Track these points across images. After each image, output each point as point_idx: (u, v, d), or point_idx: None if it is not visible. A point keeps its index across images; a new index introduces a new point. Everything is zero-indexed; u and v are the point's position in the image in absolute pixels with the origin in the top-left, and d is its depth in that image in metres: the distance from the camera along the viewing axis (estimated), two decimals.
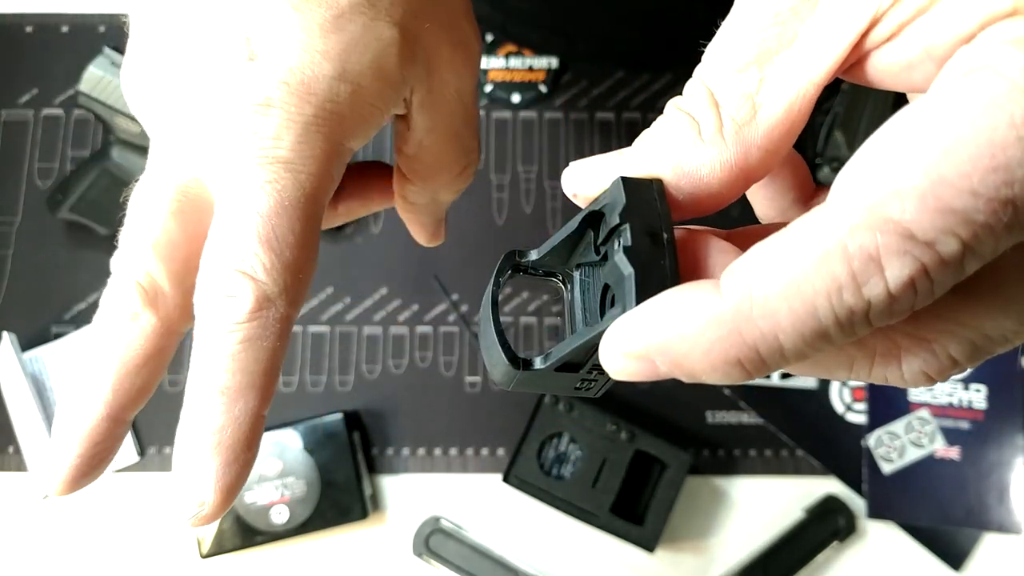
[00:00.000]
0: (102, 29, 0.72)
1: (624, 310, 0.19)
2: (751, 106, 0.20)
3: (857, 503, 0.64)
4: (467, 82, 0.30)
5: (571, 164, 0.23)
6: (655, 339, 0.18)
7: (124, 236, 0.29)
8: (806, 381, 0.67)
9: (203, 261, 0.25)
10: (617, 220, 0.20)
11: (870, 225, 0.16)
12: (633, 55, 0.72)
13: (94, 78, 0.63)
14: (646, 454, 0.62)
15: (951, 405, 0.66)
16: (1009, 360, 0.67)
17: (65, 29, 0.72)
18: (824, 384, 0.67)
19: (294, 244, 0.25)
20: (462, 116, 0.30)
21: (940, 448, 0.65)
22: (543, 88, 0.72)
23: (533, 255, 0.24)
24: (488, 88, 0.71)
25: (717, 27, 0.22)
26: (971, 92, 0.16)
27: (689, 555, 0.64)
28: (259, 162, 0.24)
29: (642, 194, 0.21)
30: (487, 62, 0.72)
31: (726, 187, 0.21)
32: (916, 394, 0.66)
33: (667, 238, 0.20)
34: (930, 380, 0.22)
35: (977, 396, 0.66)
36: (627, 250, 0.20)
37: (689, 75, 0.22)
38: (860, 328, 0.17)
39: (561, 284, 0.25)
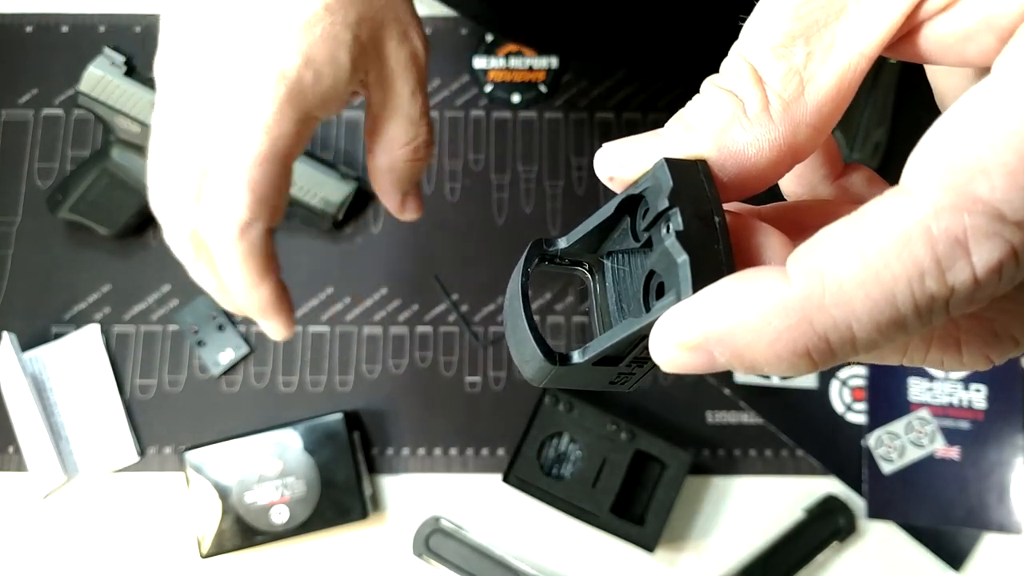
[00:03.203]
0: (102, 29, 0.72)
1: (679, 298, 0.18)
2: (799, 82, 0.19)
3: (857, 503, 0.64)
4: (412, 73, 0.40)
5: (605, 146, 0.22)
6: (715, 328, 0.17)
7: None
8: (806, 381, 0.67)
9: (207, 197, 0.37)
10: (665, 203, 0.19)
11: (956, 206, 0.15)
12: (634, 55, 0.72)
13: (94, 78, 0.63)
14: (646, 454, 0.62)
15: (951, 405, 0.66)
16: (1009, 360, 0.67)
17: (65, 29, 0.72)
18: (824, 384, 0.67)
19: (267, 187, 0.36)
20: (407, 98, 0.40)
21: (940, 448, 0.65)
22: (543, 88, 0.72)
23: (562, 243, 0.23)
24: (488, 88, 0.71)
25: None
26: None
27: (689, 555, 0.64)
28: (248, 129, 0.36)
29: (688, 176, 0.20)
30: (487, 62, 0.72)
31: (773, 167, 0.20)
32: (916, 394, 0.66)
33: (719, 221, 0.19)
34: (990, 363, 0.21)
35: (977, 396, 0.66)
36: (679, 235, 0.19)
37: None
38: (938, 316, 0.16)
39: (587, 274, 0.24)
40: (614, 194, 0.22)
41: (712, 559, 0.64)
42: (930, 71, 0.22)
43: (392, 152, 0.42)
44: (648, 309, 0.20)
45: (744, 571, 0.62)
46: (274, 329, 0.41)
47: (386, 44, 0.39)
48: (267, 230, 0.38)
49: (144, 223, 0.67)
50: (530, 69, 0.72)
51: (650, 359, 0.21)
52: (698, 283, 0.18)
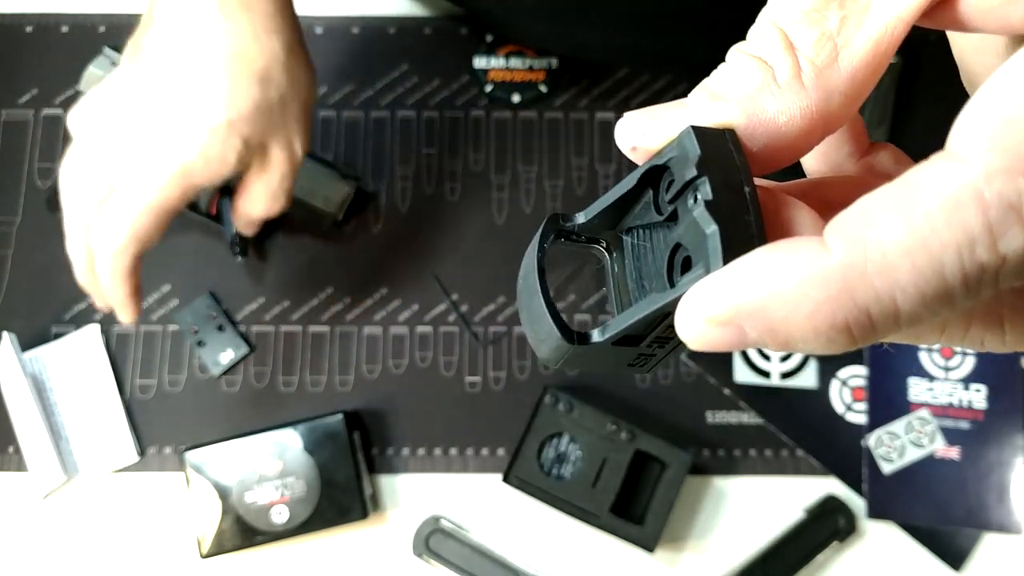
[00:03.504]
0: (102, 29, 0.72)
1: (708, 271, 0.17)
2: (832, 48, 0.18)
3: (857, 503, 0.64)
4: (285, 167, 0.52)
5: (626, 115, 0.21)
6: (748, 301, 0.16)
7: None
8: (806, 381, 0.67)
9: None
10: (693, 172, 0.18)
11: (1009, 169, 0.14)
12: (634, 54, 0.72)
13: (94, 78, 0.63)
14: (646, 454, 0.62)
15: (951, 405, 0.66)
16: (1009, 360, 0.67)
17: (65, 29, 0.72)
18: (824, 384, 0.67)
19: (149, 229, 0.49)
20: (275, 183, 0.52)
21: (940, 448, 0.65)
22: (543, 88, 0.72)
23: (579, 218, 0.22)
24: (488, 88, 0.71)
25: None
26: None
27: (689, 555, 0.64)
28: (146, 186, 0.48)
29: (716, 145, 0.19)
30: (487, 62, 0.72)
31: (804, 136, 0.19)
32: (916, 394, 0.66)
33: (749, 192, 0.18)
34: None
35: (977, 396, 0.66)
36: (709, 205, 0.18)
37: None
38: (986, 288, 0.15)
39: (604, 252, 0.23)
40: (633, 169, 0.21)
41: (712, 559, 0.64)
42: (959, 50, 0.21)
43: (253, 215, 0.54)
44: (673, 284, 0.20)
45: (744, 571, 0.62)
46: (123, 316, 0.53)
47: (270, 148, 0.50)
48: (138, 254, 0.50)
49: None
50: (530, 69, 0.72)
51: (673, 338, 0.20)
52: (729, 255, 0.17)
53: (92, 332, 0.67)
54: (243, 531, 0.61)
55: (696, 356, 0.67)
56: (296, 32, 0.51)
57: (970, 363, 0.67)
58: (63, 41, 0.72)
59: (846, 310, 0.16)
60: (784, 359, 0.67)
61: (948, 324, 0.21)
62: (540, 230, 0.22)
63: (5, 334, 0.65)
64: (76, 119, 0.50)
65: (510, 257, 0.69)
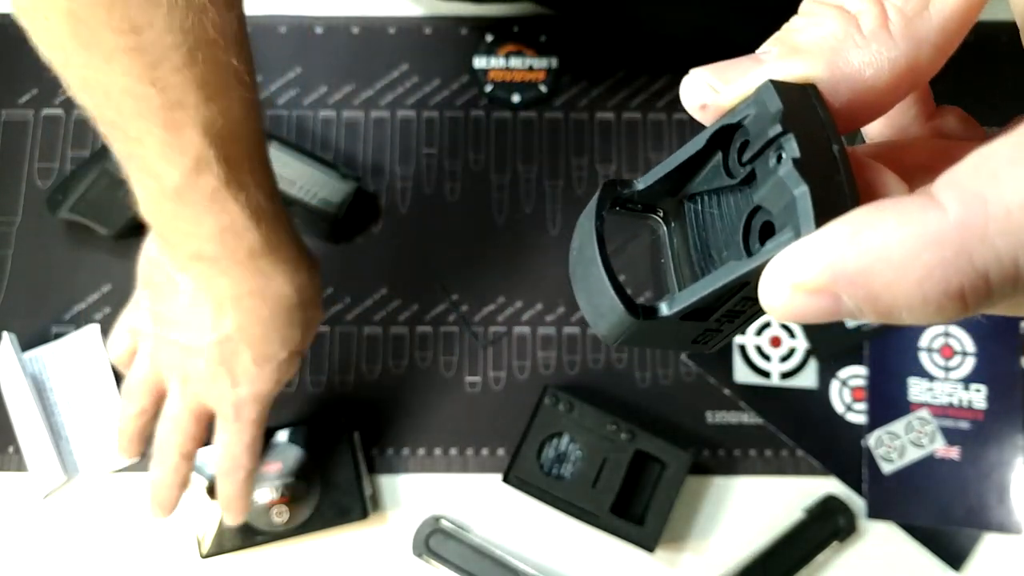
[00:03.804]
0: None
1: (798, 235, 0.16)
2: None
3: (857, 503, 0.64)
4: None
5: (693, 72, 0.19)
6: (848, 266, 0.15)
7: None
8: (806, 381, 0.67)
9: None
10: (778, 128, 0.17)
11: None
12: (635, 53, 0.72)
13: None
14: (646, 454, 0.62)
15: (951, 405, 0.66)
16: (1009, 360, 0.67)
17: None
18: (824, 384, 0.67)
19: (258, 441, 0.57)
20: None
21: (940, 448, 0.65)
22: (543, 88, 0.72)
23: (639, 184, 0.20)
24: (488, 88, 0.71)
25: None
26: None
27: (689, 555, 0.64)
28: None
29: (798, 100, 0.17)
30: (487, 62, 0.72)
31: (891, 90, 0.18)
32: (916, 394, 0.66)
33: (837, 149, 0.17)
34: None
35: (977, 396, 0.66)
36: (797, 163, 0.16)
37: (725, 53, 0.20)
38: None
39: (661, 222, 0.21)
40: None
41: (712, 559, 0.64)
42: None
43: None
44: (750, 253, 0.18)
45: (744, 571, 0.62)
46: (232, 517, 0.57)
47: (295, 357, 0.55)
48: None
49: (144, 223, 0.67)
50: (530, 69, 0.72)
51: (744, 312, 0.19)
52: (821, 217, 0.16)
53: (92, 332, 0.67)
54: (243, 531, 0.61)
55: (696, 356, 0.67)
56: (311, 263, 0.54)
57: (970, 363, 0.67)
58: None
59: (962, 274, 0.14)
60: (784, 359, 0.67)
61: None
62: (597, 196, 0.20)
63: (5, 334, 0.65)
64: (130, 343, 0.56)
65: (510, 257, 0.69)
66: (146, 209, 0.48)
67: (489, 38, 0.73)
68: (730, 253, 0.19)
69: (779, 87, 0.17)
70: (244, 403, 0.53)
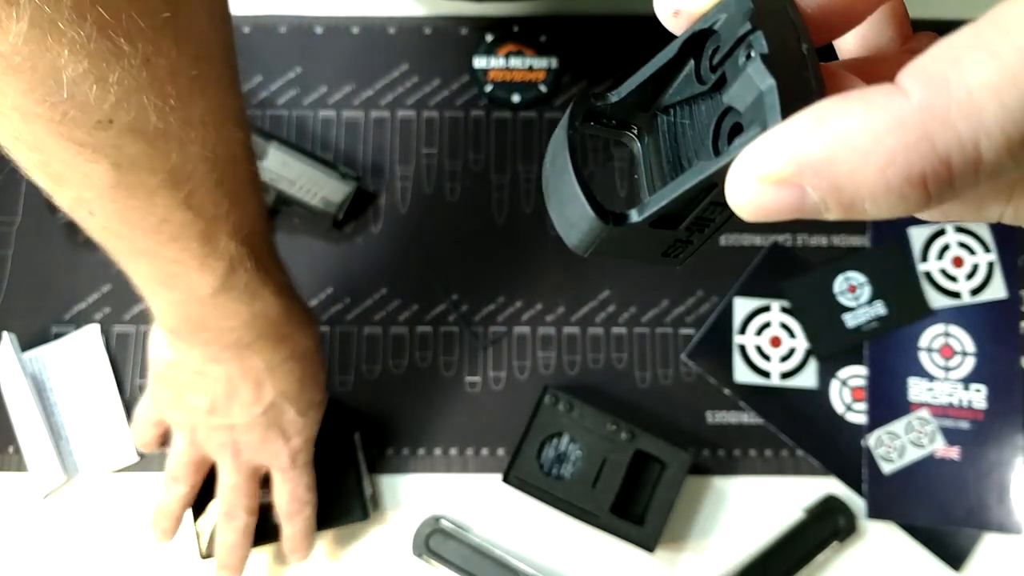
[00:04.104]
0: None
1: (764, 129, 0.16)
2: None
3: (857, 503, 0.64)
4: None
5: None
6: (812, 153, 0.15)
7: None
8: (806, 381, 0.67)
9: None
10: (747, 26, 0.17)
11: None
12: (634, 51, 0.72)
13: None
14: (646, 454, 0.62)
15: (951, 405, 0.66)
16: (1009, 360, 0.67)
17: None
18: (824, 384, 0.67)
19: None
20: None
21: (940, 448, 0.65)
22: (543, 88, 0.72)
23: (612, 97, 0.20)
24: (488, 88, 0.71)
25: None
26: None
27: (689, 555, 0.64)
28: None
29: (769, 3, 0.17)
30: (487, 62, 0.72)
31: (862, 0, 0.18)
32: (916, 394, 0.66)
33: (807, 48, 0.17)
34: None
35: (977, 396, 0.66)
36: (765, 58, 0.16)
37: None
38: None
39: (635, 139, 0.21)
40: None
41: (712, 559, 0.64)
42: None
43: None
44: (719, 154, 0.18)
45: (744, 571, 0.62)
46: (299, 556, 0.61)
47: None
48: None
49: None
50: (530, 69, 0.72)
51: (714, 220, 0.19)
52: (788, 109, 0.16)
53: (92, 332, 0.67)
54: None
55: (696, 356, 0.67)
56: (302, 374, 0.56)
57: (970, 363, 0.67)
58: None
59: (925, 159, 0.14)
60: (784, 359, 0.67)
61: (1017, 189, 0.19)
62: (569, 109, 0.20)
63: (5, 334, 0.65)
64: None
65: (510, 257, 0.69)
66: (175, 319, 0.50)
67: (489, 38, 0.73)
68: (701, 158, 0.19)
69: None
70: (298, 451, 0.58)
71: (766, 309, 0.68)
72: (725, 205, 0.17)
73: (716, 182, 0.17)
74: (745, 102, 0.17)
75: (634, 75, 0.20)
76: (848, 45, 0.22)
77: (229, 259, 0.45)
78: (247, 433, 0.55)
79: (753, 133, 0.16)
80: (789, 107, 0.16)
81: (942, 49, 0.15)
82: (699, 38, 0.19)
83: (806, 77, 0.17)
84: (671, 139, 0.20)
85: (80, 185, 0.38)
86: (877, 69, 0.20)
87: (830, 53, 0.22)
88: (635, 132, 0.21)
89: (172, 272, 0.45)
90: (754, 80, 0.16)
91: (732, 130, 0.18)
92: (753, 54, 0.17)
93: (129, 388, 0.66)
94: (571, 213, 0.19)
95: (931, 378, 0.66)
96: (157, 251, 0.43)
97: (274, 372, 0.53)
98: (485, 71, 0.72)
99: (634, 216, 0.18)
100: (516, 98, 0.71)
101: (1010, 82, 0.14)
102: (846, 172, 0.14)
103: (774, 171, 0.15)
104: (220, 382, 0.53)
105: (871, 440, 0.65)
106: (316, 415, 0.58)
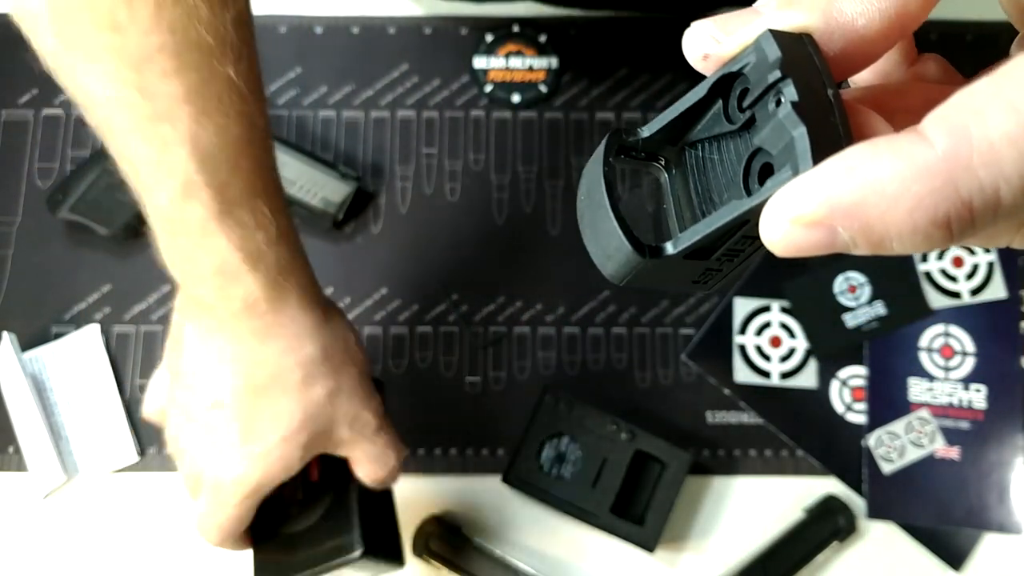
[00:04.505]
0: None
1: (796, 172, 0.17)
2: None
3: (857, 503, 0.64)
4: (365, 435, 0.48)
5: (694, 24, 0.20)
6: (844, 198, 0.16)
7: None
8: (806, 381, 0.67)
9: None
10: (777, 74, 0.18)
11: None
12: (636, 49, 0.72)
13: None
14: (646, 454, 0.62)
15: (951, 405, 0.66)
16: (1009, 360, 0.67)
17: None
18: (824, 384, 0.67)
19: (236, 522, 0.48)
20: (366, 450, 0.49)
21: (940, 448, 0.65)
22: (543, 88, 0.72)
23: (644, 132, 0.21)
24: (488, 88, 0.71)
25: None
26: None
27: (689, 555, 0.64)
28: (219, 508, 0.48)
29: (795, 48, 0.18)
30: (487, 62, 0.72)
31: (883, 38, 0.19)
32: (916, 394, 0.66)
33: (832, 93, 0.18)
34: None
35: (977, 396, 0.66)
36: (796, 106, 0.17)
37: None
38: None
39: (663, 170, 0.22)
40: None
41: (712, 559, 0.64)
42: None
43: (372, 481, 0.50)
44: (750, 193, 0.19)
45: (744, 571, 0.62)
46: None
47: (338, 434, 0.48)
48: (235, 534, 0.48)
49: (144, 223, 0.67)
50: (530, 69, 0.72)
51: (744, 251, 0.20)
52: (818, 155, 0.17)
53: (92, 332, 0.67)
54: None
55: (696, 356, 0.67)
56: (326, 331, 0.48)
57: (970, 363, 0.67)
58: None
59: (949, 202, 0.15)
60: (784, 359, 0.67)
61: None
62: (603, 144, 0.21)
63: (5, 334, 0.65)
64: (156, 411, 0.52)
65: (510, 257, 0.69)
66: (153, 234, 0.44)
67: (489, 38, 0.73)
68: (731, 194, 0.20)
69: (777, 36, 0.19)
70: (221, 487, 0.46)
71: (766, 309, 0.68)
72: (756, 238, 0.18)
73: (749, 219, 0.18)
74: (776, 146, 0.18)
75: (664, 112, 0.21)
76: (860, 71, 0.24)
77: (183, 182, 0.39)
78: (191, 424, 0.49)
79: (785, 176, 0.17)
80: (819, 152, 0.17)
81: (963, 99, 0.16)
82: (727, 80, 0.20)
83: (833, 122, 0.18)
84: (699, 173, 0.21)
85: (32, 37, 0.38)
86: (891, 99, 0.22)
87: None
88: (662, 163, 0.22)
89: (128, 172, 0.41)
90: (785, 126, 0.18)
91: (762, 170, 0.19)
92: (784, 99, 0.18)
93: (129, 388, 0.66)
94: (608, 245, 0.20)
95: (931, 378, 0.66)
96: (114, 141, 0.40)
97: (234, 367, 0.46)
98: (485, 71, 0.72)
99: (669, 249, 0.20)
100: (516, 98, 0.71)
101: None
102: (876, 215, 0.16)
103: (807, 213, 0.16)
104: (189, 349, 0.48)
105: (871, 440, 0.65)
106: (261, 460, 0.46)
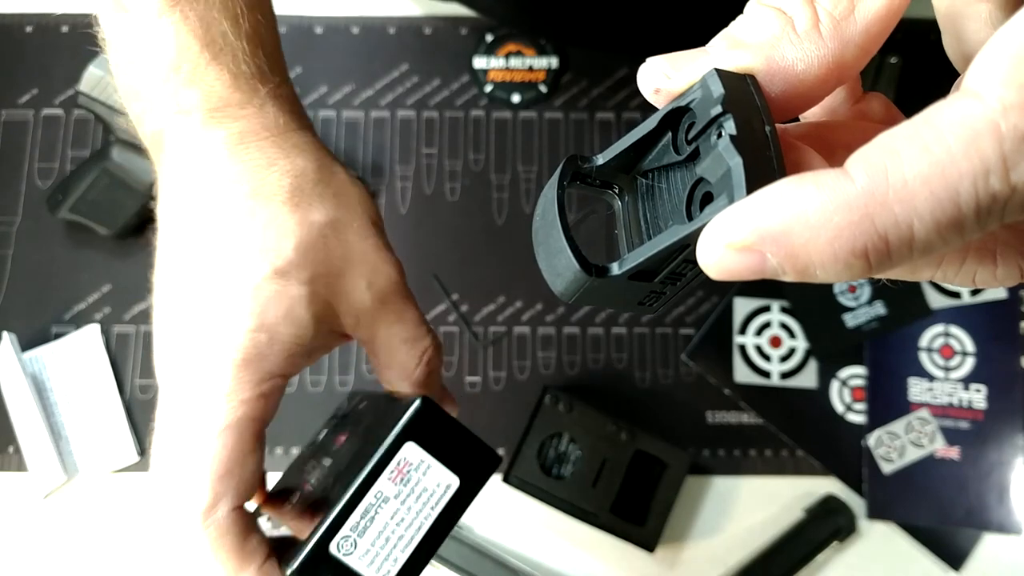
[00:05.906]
0: None
1: (731, 200, 0.18)
2: (849, 1, 0.20)
3: (857, 503, 0.64)
4: (391, 303, 0.37)
5: (649, 60, 0.22)
6: (772, 226, 0.17)
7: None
8: (806, 381, 0.67)
9: None
10: (719, 109, 0.19)
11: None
12: (635, 49, 0.72)
13: (94, 78, 0.63)
14: (646, 454, 0.62)
15: (951, 405, 0.66)
16: (1009, 360, 0.67)
17: (65, 29, 0.72)
18: (824, 384, 0.67)
19: (232, 458, 0.33)
20: (396, 326, 0.38)
21: (940, 448, 0.65)
22: (543, 88, 0.72)
23: (598, 160, 0.23)
24: (488, 88, 0.71)
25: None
26: None
27: (689, 555, 0.64)
28: (204, 400, 0.33)
29: (738, 87, 0.20)
30: (487, 62, 0.72)
31: (820, 84, 0.20)
32: (916, 394, 0.66)
33: (769, 130, 0.20)
34: (1023, 277, 0.21)
35: (977, 396, 0.66)
36: (734, 139, 0.19)
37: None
38: (994, 220, 0.16)
39: (616, 197, 0.23)
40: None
41: (712, 559, 0.64)
42: (943, 16, 0.22)
43: (406, 374, 0.39)
44: (691, 219, 0.21)
45: (744, 571, 0.62)
46: None
47: (353, 291, 0.36)
48: (236, 509, 0.33)
49: (144, 223, 0.67)
50: (530, 69, 0.72)
51: (686, 275, 0.21)
52: (752, 185, 0.18)
53: (92, 332, 0.67)
54: None
55: (696, 356, 0.67)
56: (321, 151, 0.38)
57: (970, 363, 0.67)
58: (63, 41, 0.72)
59: (867, 235, 0.16)
60: (784, 359, 0.67)
61: (945, 258, 0.22)
62: (560, 168, 0.22)
63: (5, 334, 0.65)
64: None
65: (510, 257, 0.69)
66: (109, 54, 0.37)
67: (489, 38, 0.73)
68: (675, 221, 0.21)
69: (722, 75, 0.20)
70: (197, 372, 0.35)
71: (766, 309, 0.68)
72: (695, 262, 0.19)
73: (689, 243, 0.19)
74: (715, 175, 0.19)
75: (618, 142, 0.22)
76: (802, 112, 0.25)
77: None
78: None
79: (721, 204, 0.18)
80: (753, 183, 0.18)
81: (885, 139, 0.17)
82: (676, 114, 0.21)
83: (769, 156, 0.19)
84: (648, 200, 0.23)
85: None
86: (834, 135, 0.23)
87: None
88: (616, 191, 0.23)
89: None
90: (724, 157, 0.19)
91: (703, 198, 0.20)
92: (724, 133, 0.19)
93: (129, 388, 0.66)
94: (558, 263, 0.21)
95: (931, 378, 0.66)
96: None
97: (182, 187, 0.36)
98: (485, 71, 0.72)
99: (615, 269, 0.21)
100: (516, 98, 0.71)
101: (940, 175, 0.16)
102: (800, 243, 0.17)
103: (739, 239, 0.17)
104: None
105: (871, 440, 0.65)
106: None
